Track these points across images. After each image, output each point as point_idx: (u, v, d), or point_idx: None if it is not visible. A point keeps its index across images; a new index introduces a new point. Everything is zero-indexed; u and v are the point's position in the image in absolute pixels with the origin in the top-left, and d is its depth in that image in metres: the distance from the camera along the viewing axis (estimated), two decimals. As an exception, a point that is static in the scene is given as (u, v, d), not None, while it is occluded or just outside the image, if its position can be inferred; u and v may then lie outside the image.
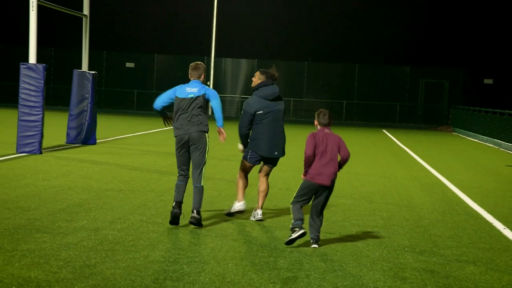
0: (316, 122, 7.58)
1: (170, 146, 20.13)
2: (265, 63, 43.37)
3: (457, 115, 37.68)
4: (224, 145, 21.43)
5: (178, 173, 8.30)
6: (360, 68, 42.81)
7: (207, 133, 8.21)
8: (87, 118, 18.87)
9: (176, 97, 8.38)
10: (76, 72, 19.11)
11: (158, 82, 43.76)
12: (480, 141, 29.07)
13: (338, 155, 7.51)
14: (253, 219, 8.82)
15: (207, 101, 8.28)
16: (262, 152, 8.71)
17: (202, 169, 8.13)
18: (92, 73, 19.08)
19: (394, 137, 30.06)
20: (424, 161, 18.56)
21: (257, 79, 8.85)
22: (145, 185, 11.52)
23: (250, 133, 8.81)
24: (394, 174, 15.24)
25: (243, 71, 43.79)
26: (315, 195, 7.44)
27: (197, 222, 8.07)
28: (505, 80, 40.95)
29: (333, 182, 7.42)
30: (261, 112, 8.67)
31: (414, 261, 7.07)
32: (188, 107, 8.21)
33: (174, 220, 8.06)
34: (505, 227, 9.22)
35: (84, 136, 18.80)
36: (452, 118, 39.10)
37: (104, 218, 8.49)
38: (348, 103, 42.14)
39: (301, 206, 7.39)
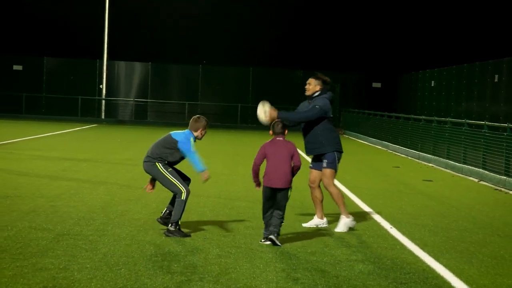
0: (271, 132, 8.06)
1: (62, 151, 19.61)
2: (159, 67, 43.07)
3: (347, 118, 38.79)
4: (119, 148, 21.10)
5: None
6: (254, 71, 43.28)
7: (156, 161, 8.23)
8: (-28, 122, 18.07)
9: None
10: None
11: (48, 85, 42.53)
12: (369, 143, 30.01)
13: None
14: (321, 226, 9.03)
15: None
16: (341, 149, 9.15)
17: (171, 188, 8.23)
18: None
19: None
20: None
21: (313, 85, 9.09)
22: (34, 191, 11.16)
23: (322, 137, 8.96)
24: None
25: (136, 74, 43.27)
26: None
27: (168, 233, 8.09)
28: (392, 83, 42.56)
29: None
30: (331, 115, 9.07)
31: (305, 262, 7.21)
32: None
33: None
34: (391, 226, 9.56)
35: (-32, 141, 17.98)
36: (343, 121, 40.21)
37: (-10, 226, 8.16)
38: (243, 107, 42.47)
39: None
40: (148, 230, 8.47)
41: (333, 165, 9.05)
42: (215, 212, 10.03)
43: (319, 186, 9.18)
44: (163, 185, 8.31)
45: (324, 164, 9.02)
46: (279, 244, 7.76)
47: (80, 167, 15.16)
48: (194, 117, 8.54)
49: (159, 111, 42.21)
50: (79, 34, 45.74)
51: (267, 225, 7.89)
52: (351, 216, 9.02)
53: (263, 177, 7.87)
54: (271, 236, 7.78)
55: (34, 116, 39.93)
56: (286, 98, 43.09)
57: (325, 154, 9.05)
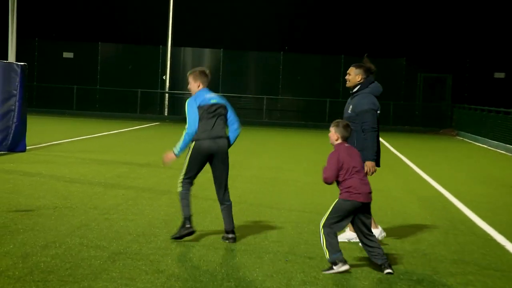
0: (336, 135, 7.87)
1: (117, 153, 20.03)
2: (232, 54, 43.42)
3: (462, 116, 38.07)
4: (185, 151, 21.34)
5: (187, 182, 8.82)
6: (346, 60, 43.06)
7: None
8: (15, 120, 18.68)
9: (199, 106, 8.77)
10: (1, 63, 18.90)
11: (103, 76, 43.54)
12: (490, 147, 29.38)
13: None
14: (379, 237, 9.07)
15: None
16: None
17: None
18: (21, 64, 18.90)
19: (387, 142, 30.26)
20: (423, 171, 18.70)
21: (353, 75, 9.08)
22: (87, 201, 11.42)
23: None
24: (387, 186, 15.31)
25: (206, 62, 43.76)
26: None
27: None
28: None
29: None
30: (379, 112, 9.05)
31: (410, 292, 7.10)
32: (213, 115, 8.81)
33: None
34: (519, 249, 9.32)
35: (11, 141, 18.60)
36: (456, 120, 39.49)
37: (35, 241, 8.39)
38: (332, 102, 42.34)
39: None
40: (219, 249, 8.52)
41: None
42: (299, 229, 10.02)
43: None
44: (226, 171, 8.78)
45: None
46: (391, 271, 7.68)
47: (139, 173, 15.43)
48: (200, 70, 8.93)
49: (233, 106, 42.50)
50: (139, 16, 46.61)
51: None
52: (379, 227, 9.01)
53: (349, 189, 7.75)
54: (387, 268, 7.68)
55: (86, 113, 41.00)
56: (384, 93, 42.63)
57: None
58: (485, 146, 30.28)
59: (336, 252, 7.53)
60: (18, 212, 10.19)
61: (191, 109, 8.77)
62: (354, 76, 9.09)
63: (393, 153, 25.05)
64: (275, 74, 43.36)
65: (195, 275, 7.29)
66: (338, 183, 7.77)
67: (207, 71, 9.10)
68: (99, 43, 43.78)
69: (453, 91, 42.90)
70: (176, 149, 8.87)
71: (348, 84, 9.13)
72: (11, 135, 18.62)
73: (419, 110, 42.97)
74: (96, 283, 6.77)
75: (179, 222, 9.87)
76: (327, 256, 7.56)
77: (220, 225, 9.71)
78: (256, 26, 46.42)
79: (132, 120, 38.36)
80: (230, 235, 8.81)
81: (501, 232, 10.56)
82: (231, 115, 8.99)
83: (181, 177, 8.88)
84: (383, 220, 11.08)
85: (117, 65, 43.67)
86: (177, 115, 41.75)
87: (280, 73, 43.35)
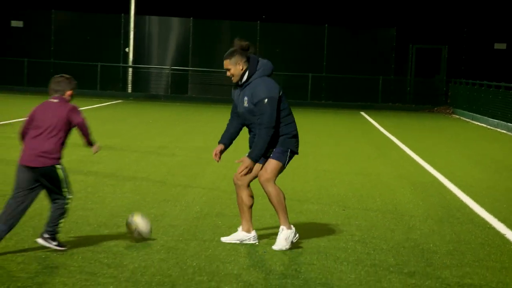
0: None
1: (75, 134, 19.87)
2: (202, 23, 43.27)
3: (458, 92, 38.28)
4: (151, 133, 21.33)
5: None
6: (330, 31, 43.08)
7: None
8: (-41, 98, 18.56)
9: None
10: None
11: (57, 48, 43.25)
12: (489, 126, 29.57)
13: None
14: None
15: None
16: (297, 149, 8.53)
17: None
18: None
19: (376, 122, 30.36)
20: (416, 153, 18.80)
21: (234, 67, 8.31)
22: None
23: (282, 126, 8.37)
24: (376, 171, 15.40)
25: (174, 33, 43.61)
26: None
27: None
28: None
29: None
30: (281, 94, 8.39)
31: (401, 286, 7.17)
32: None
33: None
34: (520, 239, 9.44)
35: (-45, 122, 18.47)
36: (452, 96, 39.70)
37: None
38: (315, 77, 42.39)
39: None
40: (190, 240, 8.55)
41: (282, 158, 8.41)
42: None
43: (249, 186, 8.54)
44: None
45: (271, 154, 8.39)
46: None
47: (100, 158, 15.38)
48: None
49: (203, 83, 42.49)
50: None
51: None
52: (293, 227, 8.44)
53: None
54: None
55: (38, 89, 40.70)
56: (373, 66, 42.69)
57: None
58: (484, 125, 30.46)
59: None
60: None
61: None
62: (235, 67, 8.33)
63: (382, 133, 25.14)
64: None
65: (163, 268, 7.31)
66: None
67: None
68: (52, 10, 43.44)
69: (448, 65, 43.06)
70: None
71: (235, 80, 8.38)
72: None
73: (411, 86, 43.10)
74: (52, 279, 6.78)
75: (144, 210, 9.89)
76: None
77: (192, 213, 9.72)
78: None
79: (91, 97, 38.19)
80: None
81: (501, 220, 10.66)
82: None
83: None
84: (372, 207, 11.16)
85: (73, 35, 43.35)
86: (142, 92, 41.65)
87: (256, 45, 43.30)
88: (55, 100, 7.89)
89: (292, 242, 8.37)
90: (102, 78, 42.18)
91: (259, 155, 8.24)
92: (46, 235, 7.73)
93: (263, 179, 8.34)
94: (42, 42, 43.18)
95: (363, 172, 15.01)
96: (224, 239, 8.59)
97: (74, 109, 7.91)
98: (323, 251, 8.34)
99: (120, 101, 37.37)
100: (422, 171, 15.76)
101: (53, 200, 7.80)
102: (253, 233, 8.58)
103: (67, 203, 7.80)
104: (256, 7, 45.43)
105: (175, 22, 43.80)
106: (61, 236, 8.39)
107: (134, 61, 42.68)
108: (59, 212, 7.76)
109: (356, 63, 42.66)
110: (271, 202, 8.46)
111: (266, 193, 8.42)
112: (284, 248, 8.29)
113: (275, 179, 8.40)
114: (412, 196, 12.49)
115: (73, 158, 14.76)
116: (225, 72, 8.42)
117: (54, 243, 7.73)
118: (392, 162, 17.19)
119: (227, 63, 8.36)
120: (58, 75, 8.09)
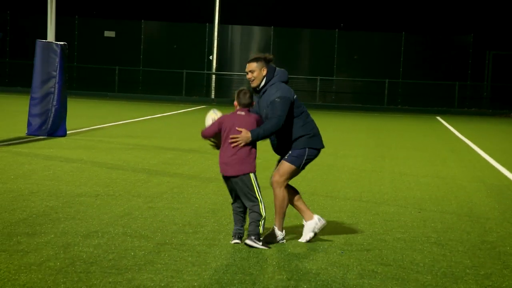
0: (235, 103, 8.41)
1: (162, 138, 20.19)
2: (283, 32, 43.33)
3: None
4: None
5: None
6: (407, 38, 42.66)
7: None
8: (55, 103, 18.93)
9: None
10: (39, 43, 19.15)
11: (146, 56, 43.83)
12: None
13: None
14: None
15: None
16: (321, 144, 8.73)
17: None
18: (60, 44, 19.12)
19: (452, 126, 29.99)
20: (491, 156, 18.51)
21: (258, 71, 8.44)
22: (130, 189, 11.55)
23: (298, 127, 8.51)
24: (452, 174, 15.20)
25: (255, 41, 43.77)
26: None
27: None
28: None
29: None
30: (295, 99, 8.57)
31: (478, 287, 7.05)
32: None
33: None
34: None
35: (51, 125, 18.86)
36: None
37: (77, 231, 8.52)
38: (391, 83, 42.04)
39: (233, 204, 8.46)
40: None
41: (297, 161, 8.43)
42: (355, 219, 10.00)
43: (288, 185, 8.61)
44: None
45: (286, 156, 8.48)
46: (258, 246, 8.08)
47: (185, 160, 15.54)
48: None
49: (284, 88, 42.44)
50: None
51: (235, 222, 8.36)
52: (284, 232, 8.49)
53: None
54: (248, 241, 8.13)
55: (128, 95, 41.34)
56: (446, 70, 42.19)
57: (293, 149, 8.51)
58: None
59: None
60: (58, 200, 10.35)
61: None
62: (259, 71, 8.46)
63: (458, 137, 24.82)
64: (329, 53, 43.19)
65: (244, 267, 7.33)
66: None
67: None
68: (142, 21, 44.06)
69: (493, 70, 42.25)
70: None
71: (255, 84, 8.49)
72: (51, 119, 18.87)
73: (487, 91, 42.43)
74: (141, 275, 6.85)
75: (227, 211, 9.93)
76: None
77: (273, 214, 9.74)
78: (309, 1, 46.26)
79: (177, 103, 38.59)
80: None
81: None
82: None
83: None
84: (448, 210, 11.00)
85: (161, 44, 43.91)
86: (225, 97, 41.86)
87: (335, 52, 43.17)
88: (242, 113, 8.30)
89: (277, 243, 8.42)
90: (187, 84, 42.58)
91: (259, 137, 8.29)
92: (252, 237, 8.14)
93: (274, 180, 8.51)
94: (132, 51, 43.82)
95: (439, 175, 14.83)
96: (301, 239, 8.61)
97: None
98: (399, 252, 8.26)
99: (204, 106, 37.64)
100: (497, 174, 15.49)
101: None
102: (316, 217, 8.62)
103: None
104: (334, 15, 45.29)
105: (256, 31, 43.97)
106: (148, 235, 8.49)
107: (217, 68, 42.97)
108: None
109: (432, 69, 42.20)
110: (274, 203, 8.57)
111: (274, 194, 8.55)
112: (263, 247, 8.17)
113: (286, 182, 8.51)
114: (487, 199, 12.28)
115: (160, 160, 14.93)
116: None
117: (260, 243, 8.14)
118: (467, 165, 16.94)
119: (253, 66, 8.49)
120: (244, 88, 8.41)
